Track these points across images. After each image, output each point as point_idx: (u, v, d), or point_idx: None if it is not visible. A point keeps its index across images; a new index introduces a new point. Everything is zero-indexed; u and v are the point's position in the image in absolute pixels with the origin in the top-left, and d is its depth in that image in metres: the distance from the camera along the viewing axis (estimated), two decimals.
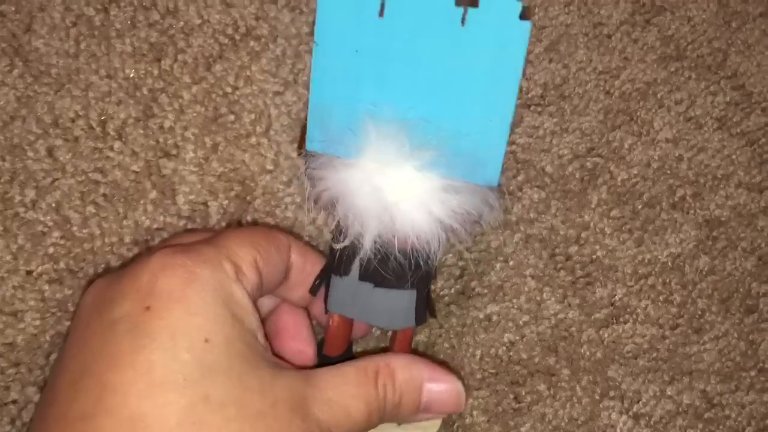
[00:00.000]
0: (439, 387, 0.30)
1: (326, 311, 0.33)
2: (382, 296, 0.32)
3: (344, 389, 0.27)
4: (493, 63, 0.27)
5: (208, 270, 0.26)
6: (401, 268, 0.31)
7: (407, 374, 0.29)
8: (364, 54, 0.28)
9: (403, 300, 0.32)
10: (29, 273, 0.34)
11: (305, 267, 0.32)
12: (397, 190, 0.29)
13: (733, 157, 0.40)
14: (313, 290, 0.32)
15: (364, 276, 0.31)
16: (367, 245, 0.30)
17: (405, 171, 0.28)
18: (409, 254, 0.30)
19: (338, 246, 0.31)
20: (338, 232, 0.31)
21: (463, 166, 0.29)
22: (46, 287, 0.34)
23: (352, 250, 0.31)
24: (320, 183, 0.30)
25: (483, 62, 0.27)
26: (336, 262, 0.31)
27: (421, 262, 0.30)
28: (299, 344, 0.33)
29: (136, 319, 0.24)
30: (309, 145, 0.30)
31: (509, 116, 0.28)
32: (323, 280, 0.32)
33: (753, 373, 0.40)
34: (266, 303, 0.33)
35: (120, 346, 0.24)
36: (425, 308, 0.33)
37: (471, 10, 0.27)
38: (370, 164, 0.29)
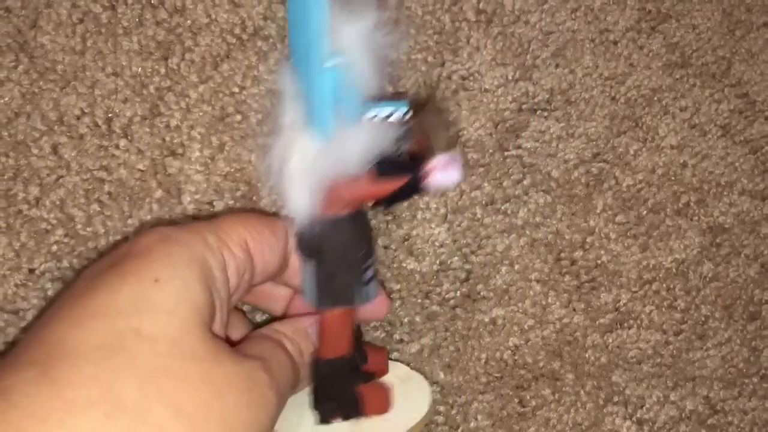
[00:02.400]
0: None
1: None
2: (303, 267, 0.31)
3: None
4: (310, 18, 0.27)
5: (186, 236, 0.26)
6: (303, 235, 0.30)
7: (290, 326, 0.31)
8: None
9: (306, 272, 0.31)
10: (32, 271, 0.34)
11: None
12: (287, 153, 0.29)
13: (737, 164, 0.41)
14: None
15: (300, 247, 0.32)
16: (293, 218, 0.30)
17: (293, 133, 0.29)
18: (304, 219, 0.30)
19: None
20: None
21: (316, 125, 0.29)
22: (49, 285, 0.34)
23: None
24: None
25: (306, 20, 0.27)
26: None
27: (302, 232, 0.30)
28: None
29: (101, 270, 0.25)
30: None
31: (325, 70, 0.27)
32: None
33: (756, 380, 0.40)
34: (283, 293, 0.33)
35: (77, 289, 0.25)
36: (330, 291, 0.31)
37: None
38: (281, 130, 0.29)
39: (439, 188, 0.29)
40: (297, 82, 0.29)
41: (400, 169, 0.30)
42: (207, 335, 0.24)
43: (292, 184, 0.29)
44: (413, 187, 0.29)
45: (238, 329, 0.32)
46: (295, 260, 0.32)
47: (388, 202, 0.31)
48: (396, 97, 0.31)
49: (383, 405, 0.33)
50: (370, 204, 0.31)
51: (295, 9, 0.30)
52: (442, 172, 0.29)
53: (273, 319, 0.34)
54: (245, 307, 0.36)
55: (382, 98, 0.29)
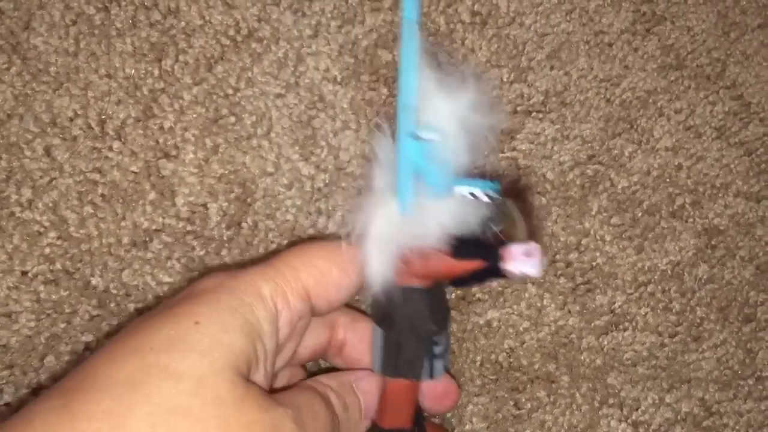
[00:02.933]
0: (366, 381, 0.31)
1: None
2: (373, 331, 0.31)
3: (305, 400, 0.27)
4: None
5: (240, 284, 0.26)
6: (376, 301, 0.30)
7: (336, 379, 0.30)
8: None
9: (375, 337, 0.31)
10: (24, 273, 0.33)
11: None
12: (372, 219, 0.29)
13: (732, 166, 0.41)
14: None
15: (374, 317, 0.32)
16: (374, 285, 0.29)
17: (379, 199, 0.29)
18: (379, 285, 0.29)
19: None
20: None
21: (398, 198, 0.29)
22: (42, 288, 0.33)
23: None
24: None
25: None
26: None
27: (376, 297, 0.29)
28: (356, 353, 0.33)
29: (153, 312, 0.26)
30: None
31: (406, 145, 0.27)
32: None
33: (751, 382, 0.40)
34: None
35: (129, 328, 0.26)
36: (397, 361, 0.30)
37: None
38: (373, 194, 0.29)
39: (514, 277, 0.29)
40: (391, 149, 0.29)
41: (480, 252, 0.29)
42: (238, 380, 0.24)
43: (371, 249, 0.29)
44: (489, 273, 0.29)
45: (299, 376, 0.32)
46: None
47: (462, 282, 0.31)
48: (488, 177, 0.31)
49: None
50: (447, 281, 0.31)
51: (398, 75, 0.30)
52: (520, 263, 0.28)
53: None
54: None
55: (473, 176, 0.29)
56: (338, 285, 0.29)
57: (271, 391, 0.27)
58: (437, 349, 0.31)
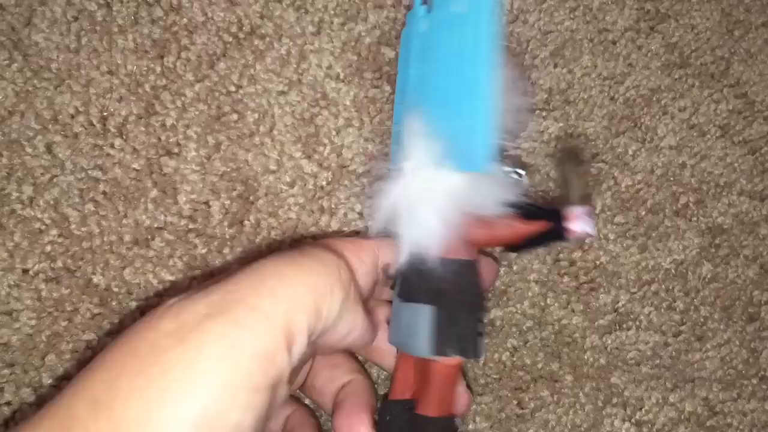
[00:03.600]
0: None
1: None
2: (404, 312, 0.30)
3: None
4: (470, 55, 0.29)
5: (249, 322, 0.24)
6: (417, 276, 0.29)
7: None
8: (410, 64, 0.31)
9: (419, 315, 0.29)
10: (25, 271, 0.33)
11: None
12: (420, 192, 0.28)
13: (736, 165, 0.40)
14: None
15: (397, 290, 0.30)
16: (403, 256, 0.29)
17: (428, 171, 0.28)
18: (422, 260, 0.29)
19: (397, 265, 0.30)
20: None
21: (463, 158, 0.29)
22: (43, 286, 0.33)
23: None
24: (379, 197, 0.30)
25: (472, 60, 0.29)
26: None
27: (427, 267, 0.29)
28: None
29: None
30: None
31: (489, 103, 0.28)
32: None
33: (755, 381, 0.39)
34: (393, 350, 0.32)
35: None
36: (452, 338, 0.29)
37: (457, 15, 0.30)
38: (407, 169, 0.29)
39: (577, 237, 0.30)
40: (427, 122, 0.29)
41: (545, 213, 0.30)
42: None
43: (416, 223, 0.29)
44: (554, 234, 0.30)
45: (338, 380, 0.31)
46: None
47: (524, 246, 0.31)
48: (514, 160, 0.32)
49: None
50: (499, 248, 0.31)
51: (432, 47, 0.31)
52: (583, 222, 0.29)
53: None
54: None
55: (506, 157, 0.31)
56: (363, 276, 0.29)
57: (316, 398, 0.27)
58: (481, 327, 0.30)
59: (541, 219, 0.30)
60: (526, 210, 0.30)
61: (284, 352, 0.23)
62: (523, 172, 0.31)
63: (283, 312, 0.24)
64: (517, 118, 0.30)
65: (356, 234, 0.36)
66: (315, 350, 0.29)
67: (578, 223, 0.30)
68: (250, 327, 0.23)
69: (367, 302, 0.29)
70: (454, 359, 0.29)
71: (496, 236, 0.30)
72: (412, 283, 0.30)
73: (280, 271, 0.25)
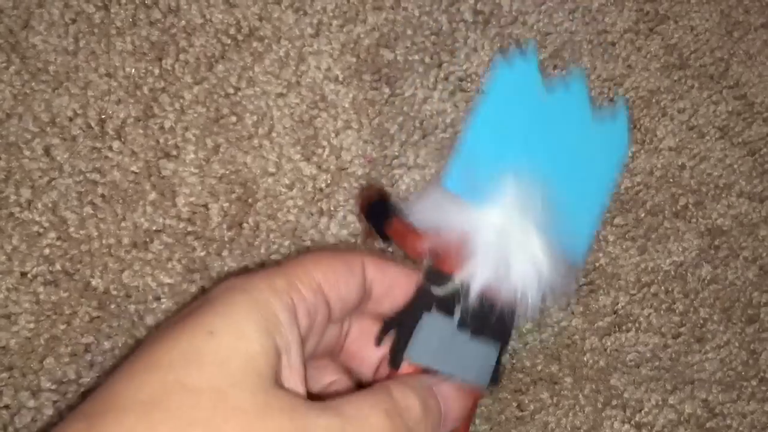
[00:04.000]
0: (445, 386, 0.29)
1: (398, 362, 0.29)
2: (476, 348, 0.30)
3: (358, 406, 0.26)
4: (598, 162, 0.31)
5: (252, 283, 0.26)
6: (500, 321, 0.29)
7: (416, 381, 0.28)
8: (518, 123, 0.31)
9: (491, 354, 0.30)
10: (24, 275, 0.33)
11: (384, 280, 0.30)
12: (517, 243, 0.29)
13: (735, 166, 0.40)
14: (380, 338, 0.30)
15: (463, 322, 0.30)
16: (475, 291, 0.29)
17: (527, 227, 0.29)
18: (509, 307, 0.29)
19: (442, 289, 0.30)
20: (435, 273, 0.30)
21: (559, 240, 0.30)
22: (41, 289, 0.33)
23: (454, 293, 0.29)
24: (442, 215, 0.30)
25: (593, 159, 0.31)
26: (437, 303, 0.30)
27: (515, 318, 0.29)
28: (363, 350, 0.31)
29: (168, 324, 0.25)
30: (444, 182, 0.30)
31: (598, 210, 0.30)
32: (394, 324, 0.30)
33: (754, 383, 0.39)
34: (373, 358, 0.32)
35: (145, 343, 0.25)
36: (500, 369, 0.31)
37: (594, 126, 0.31)
38: (497, 213, 0.29)
39: None
40: (534, 186, 0.30)
41: None
42: (259, 387, 0.23)
43: (515, 267, 0.29)
44: None
45: (326, 378, 0.31)
46: (378, 288, 0.30)
47: None
48: None
49: None
50: None
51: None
52: None
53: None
54: None
55: None
56: (345, 279, 0.29)
57: (328, 396, 0.26)
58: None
59: None
60: None
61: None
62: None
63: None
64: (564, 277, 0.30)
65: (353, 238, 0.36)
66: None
67: None
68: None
69: (349, 311, 0.30)
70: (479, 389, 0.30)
71: None
72: (482, 318, 0.30)
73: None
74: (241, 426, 0.22)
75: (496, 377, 0.30)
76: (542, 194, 0.29)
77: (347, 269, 0.29)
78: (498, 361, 0.30)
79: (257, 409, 0.23)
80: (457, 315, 0.29)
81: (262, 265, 0.35)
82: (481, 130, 0.32)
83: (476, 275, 0.29)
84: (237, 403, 0.23)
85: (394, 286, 0.30)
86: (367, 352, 0.31)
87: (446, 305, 0.29)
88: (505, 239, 0.29)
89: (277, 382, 0.25)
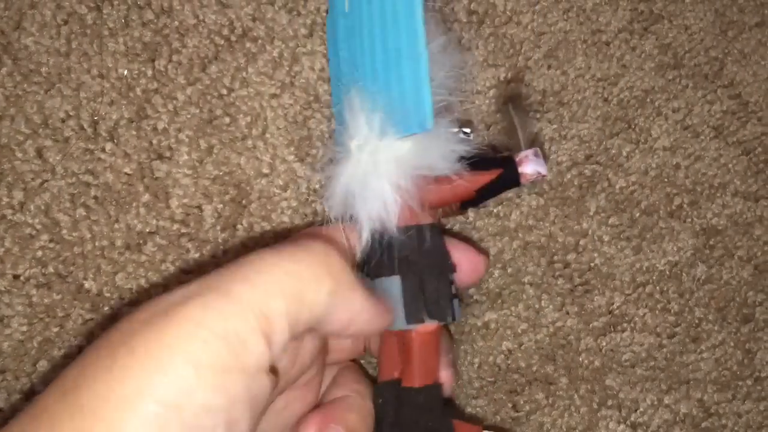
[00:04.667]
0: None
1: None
2: (376, 290, 0.29)
3: None
4: (400, 22, 0.29)
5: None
6: (380, 251, 0.29)
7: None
8: (339, 47, 0.33)
9: (390, 288, 0.29)
10: (16, 277, 0.33)
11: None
12: (368, 166, 0.29)
13: (730, 165, 0.40)
14: None
15: (364, 270, 0.30)
16: (364, 235, 0.29)
17: (373, 144, 0.29)
18: (381, 231, 0.29)
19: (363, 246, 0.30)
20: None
21: (406, 122, 0.29)
22: (34, 292, 0.33)
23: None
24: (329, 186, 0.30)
25: (395, 25, 0.29)
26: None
27: (388, 239, 0.29)
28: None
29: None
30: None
31: (422, 61, 0.28)
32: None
33: (750, 382, 0.39)
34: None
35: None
36: (424, 303, 0.29)
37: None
38: (353, 147, 0.29)
39: (531, 178, 0.31)
40: (364, 97, 0.29)
41: (495, 162, 0.31)
42: None
43: (370, 198, 0.28)
44: (508, 180, 0.31)
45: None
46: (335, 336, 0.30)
47: (481, 198, 0.31)
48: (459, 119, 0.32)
49: None
50: (455, 208, 0.31)
51: (361, 20, 0.31)
52: (534, 163, 0.31)
53: None
54: None
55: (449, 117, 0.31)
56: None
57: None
58: (454, 288, 0.30)
59: (493, 168, 0.30)
60: (477, 162, 0.30)
61: (258, 337, 0.23)
62: (469, 130, 0.31)
63: (257, 297, 0.24)
64: (457, 75, 0.30)
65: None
66: (323, 341, 0.29)
67: (529, 165, 0.31)
68: (218, 308, 0.23)
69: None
70: (430, 325, 0.29)
71: (451, 193, 0.30)
72: (377, 258, 0.29)
73: (261, 259, 0.25)
74: None
75: (414, 313, 0.29)
76: (367, 105, 0.29)
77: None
78: (417, 297, 0.29)
79: None
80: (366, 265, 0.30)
81: None
82: (334, 75, 0.34)
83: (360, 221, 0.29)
84: None
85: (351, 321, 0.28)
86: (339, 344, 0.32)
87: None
88: (360, 174, 0.29)
89: None
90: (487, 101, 0.37)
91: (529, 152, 0.31)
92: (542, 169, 0.31)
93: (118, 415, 0.20)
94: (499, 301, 0.37)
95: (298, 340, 0.27)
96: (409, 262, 0.29)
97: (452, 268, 0.31)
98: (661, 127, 0.40)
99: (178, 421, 0.21)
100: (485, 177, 0.30)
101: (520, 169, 0.31)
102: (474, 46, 0.37)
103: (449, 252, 0.31)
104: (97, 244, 0.34)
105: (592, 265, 0.38)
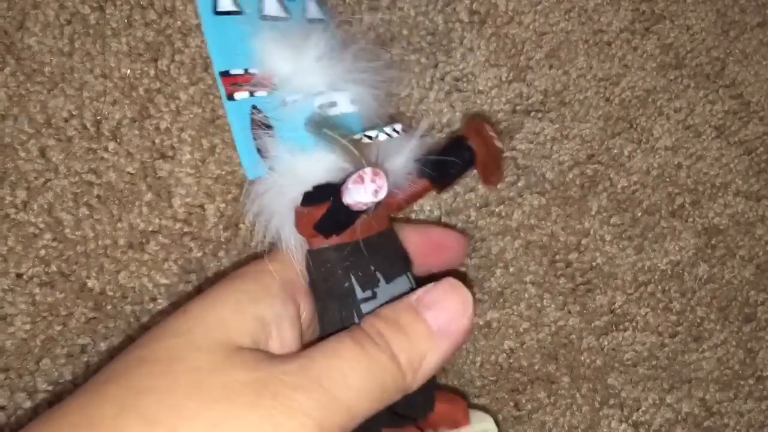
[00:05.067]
0: (431, 292, 0.27)
1: None
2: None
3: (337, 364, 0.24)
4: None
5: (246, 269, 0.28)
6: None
7: (390, 310, 0.26)
8: None
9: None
10: (19, 276, 0.33)
11: None
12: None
13: (732, 165, 0.40)
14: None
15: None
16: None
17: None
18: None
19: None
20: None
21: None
22: (37, 290, 0.33)
23: None
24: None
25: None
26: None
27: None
28: None
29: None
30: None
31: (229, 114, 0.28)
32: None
33: (751, 382, 0.39)
34: None
35: None
36: (324, 325, 0.29)
37: None
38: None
39: (357, 207, 0.27)
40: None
41: (325, 192, 0.28)
42: (220, 348, 0.24)
43: (280, 225, 0.28)
44: (341, 213, 0.27)
45: None
46: None
47: (325, 229, 0.28)
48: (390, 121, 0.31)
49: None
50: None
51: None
52: (351, 193, 0.26)
53: None
54: None
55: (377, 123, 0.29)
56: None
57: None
58: (366, 307, 0.28)
59: (323, 199, 0.27)
60: (312, 193, 0.28)
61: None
62: (399, 126, 0.29)
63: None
64: (371, 77, 0.28)
65: None
66: None
67: (348, 194, 0.26)
68: None
69: None
70: None
71: (307, 222, 0.28)
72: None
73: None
74: (192, 382, 0.22)
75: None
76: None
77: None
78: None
79: (213, 366, 0.23)
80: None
81: None
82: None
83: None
84: (192, 364, 0.23)
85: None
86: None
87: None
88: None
89: (251, 348, 0.24)
90: (489, 101, 0.38)
91: (351, 179, 0.26)
92: (362, 197, 0.26)
93: None
94: (501, 300, 0.37)
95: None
96: (312, 287, 0.29)
97: (361, 287, 0.28)
98: (663, 126, 0.40)
99: None
100: (317, 212, 0.27)
101: (344, 200, 0.26)
102: (476, 46, 0.38)
103: (371, 272, 0.29)
104: (100, 242, 0.34)
105: (593, 264, 0.38)
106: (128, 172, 0.34)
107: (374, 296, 0.28)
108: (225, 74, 0.29)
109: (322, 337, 0.27)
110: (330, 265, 0.28)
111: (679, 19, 0.40)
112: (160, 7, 0.35)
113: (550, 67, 0.39)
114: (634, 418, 0.38)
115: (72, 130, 0.34)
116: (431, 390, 0.30)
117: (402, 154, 0.28)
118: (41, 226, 0.33)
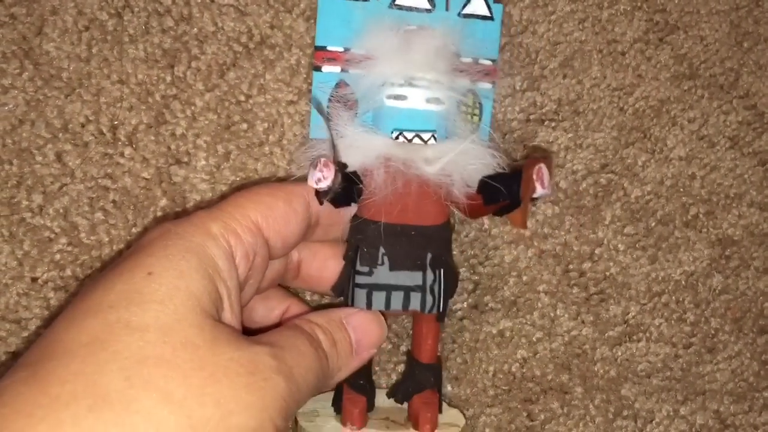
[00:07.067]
0: (356, 317, 0.31)
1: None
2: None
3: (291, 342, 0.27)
4: None
5: (187, 227, 0.27)
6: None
7: (326, 322, 0.29)
8: None
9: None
10: (34, 280, 0.33)
11: (333, 209, 0.31)
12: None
13: (746, 176, 0.40)
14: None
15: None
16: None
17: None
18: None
19: None
20: None
21: None
22: (52, 295, 0.33)
23: None
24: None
25: None
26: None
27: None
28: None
29: (104, 272, 0.26)
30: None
31: None
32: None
33: (766, 394, 0.39)
34: (331, 276, 0.33)
35: (80, 291, 0.26)
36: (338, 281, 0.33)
37: None
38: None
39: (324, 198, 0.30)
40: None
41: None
42: (205, 322, 0.24)
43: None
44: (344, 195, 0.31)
45: (276, 309, 0.33)
46: (326, 218, 0.32)
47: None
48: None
49: None
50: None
51: None
52: (312, 177, 0.29)
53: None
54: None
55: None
56: (286, 217, 0.29)
57: (255, 332, 0.27)
58: (360, 279, 0.31)
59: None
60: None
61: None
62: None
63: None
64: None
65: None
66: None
67: (310, 179, 0.28)
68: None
69: (292, 246, 0.31)
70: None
71: (461, 204, 0.31)
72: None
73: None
74: (193, 358, 0.23)
75: None
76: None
77: (288, 206, 0.29)
78: None
79: (206, 342, 0.23)
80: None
81: None
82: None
83: None
84: (185, 338, 0.23)
85: (343, 213, 0.31)
86: (324, 273, 0.33)
87: None
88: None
89: (220, 321, 0.25)
90: (503, 110, 0.38)
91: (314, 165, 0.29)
92: (311, 182, 0.28)
93: None
94: (514, 309, 0.37)
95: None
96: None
97: (360, 261, 0.32)
98: (677, 137, 0.40)
99: None
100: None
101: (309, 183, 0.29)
102: None
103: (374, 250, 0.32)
104: (114, 247, 0.34)
105: (607, 274, 0.38)
106: (143, 178, 0.34)
107: (370, 273, 0.31)
108: (321, 48, 0.34)
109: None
110: (353, 232, 0.32)
111: (692, 29, 0.40)
112: (177, 14, 0.36)
113: (564, 76, 0.39)
114: (647, 429, 0.38)
115: (88, 135, 0.34)
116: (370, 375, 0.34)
117: (474, 165, 0.31)
118: (57, 230, 0.33)
